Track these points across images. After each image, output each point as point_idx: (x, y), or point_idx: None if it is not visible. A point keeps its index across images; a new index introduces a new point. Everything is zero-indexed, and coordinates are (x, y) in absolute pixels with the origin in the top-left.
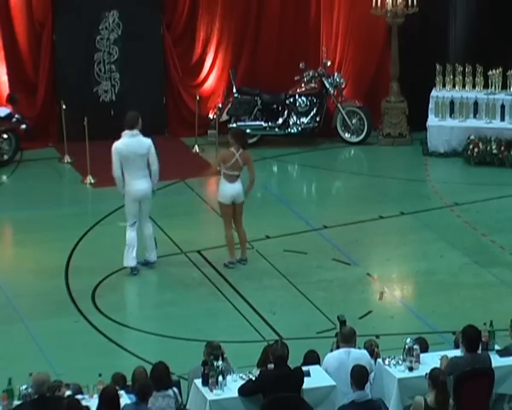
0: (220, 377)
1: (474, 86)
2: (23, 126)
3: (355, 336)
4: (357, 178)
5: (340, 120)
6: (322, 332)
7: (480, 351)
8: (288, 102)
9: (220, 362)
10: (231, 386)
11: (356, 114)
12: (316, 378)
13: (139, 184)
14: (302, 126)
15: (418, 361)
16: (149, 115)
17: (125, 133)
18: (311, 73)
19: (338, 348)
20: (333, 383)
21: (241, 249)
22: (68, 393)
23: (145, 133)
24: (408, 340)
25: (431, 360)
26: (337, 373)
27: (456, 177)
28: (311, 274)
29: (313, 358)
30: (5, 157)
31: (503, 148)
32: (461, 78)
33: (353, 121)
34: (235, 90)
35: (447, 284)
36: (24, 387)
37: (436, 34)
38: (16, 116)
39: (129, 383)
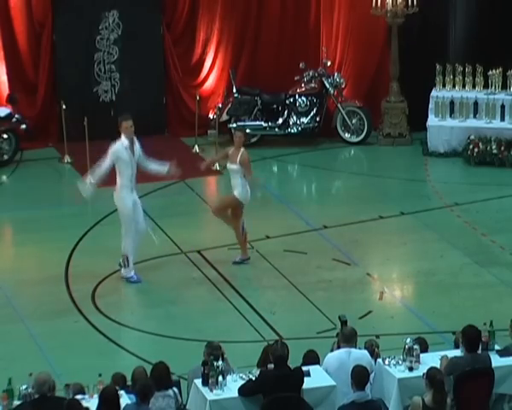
0: (220, 377)
1: (474, 86)
2: (23, 126)
3: (356, 337)
4: (357, 178)
5: (340, 120)
6: (322, 332)
7: (480, 351)
8: (287, 102)
9: (220, 362)
10: (231, 386)
11: (356, 114)
12: (316, 378)
13: None
14: (302, 126)
15: (418, 361)
16: (149, 115)
17: None
18: (311, 73)
19: (339, 348)
20: (333, 383)
21: (243, 246)
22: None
23: (145, 133)
24: (408, 340)
25: (431, 360)
26: (337, 373)
27: (456, 177)
28: (311, 274)
29: (312, 358)
30: (5, 157)
31: (503, 148)
32: (461, 78)
33: (353, 121)
34: (235, 90)
35: (447, 284)
36: (24, 387)
37: (436, 34)
38: (16, 116)
39: (129, 383)
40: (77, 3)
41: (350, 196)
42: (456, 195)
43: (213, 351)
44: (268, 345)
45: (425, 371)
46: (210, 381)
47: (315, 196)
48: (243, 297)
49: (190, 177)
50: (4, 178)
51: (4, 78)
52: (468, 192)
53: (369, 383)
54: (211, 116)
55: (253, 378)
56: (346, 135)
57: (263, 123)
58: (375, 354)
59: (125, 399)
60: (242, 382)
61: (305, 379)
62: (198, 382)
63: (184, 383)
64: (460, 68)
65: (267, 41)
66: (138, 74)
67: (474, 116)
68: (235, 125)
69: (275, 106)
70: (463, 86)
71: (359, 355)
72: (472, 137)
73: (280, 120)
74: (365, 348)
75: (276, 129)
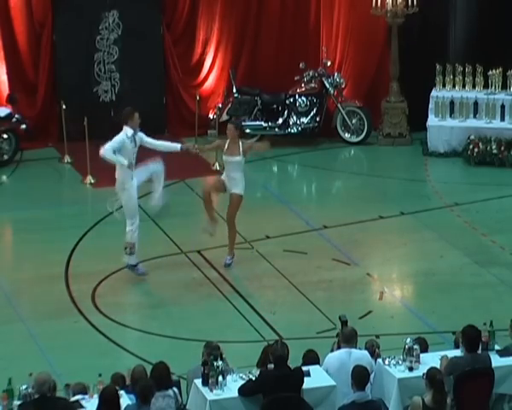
0: (220, 377)
1: (474, 86)
2: (23, 126)
3: (356, 337)
4: (357, 178)
5: (340, 120)
6: (322, 332)
7: (480, 351)
8: (288, 102)
9: (220, 362)
10: (231, 386)
11: (356, 114)
12: (316, 378)
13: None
14: (302, 126)
15: (418, 361)
16: (149, 115)
17: None
18: (311, 73)
19: (339, 348)
20: (333, 383)
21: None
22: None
23: (145, 133)
24: (408, 340)
25: (431, 360)
26: (338, 373)
27: (456, 177)
28: (311, 274)
29: (312, 358)
30: (5, 157)
31: (503, 148)
32: (461, 78)
33: (353, 121)
34: (235, 90)
35: (447, 284)
36: (24, 387)
37: (436, 34)
38: (16, 116)
39: (129, 383)
40: (77, 3)
41: (350, 196)
42: (456, 195)
43: (212, 351)
44: (268, 345)
45: (425, 371)
46: (210, 381)
47: (315, 196)
48: (243, 297)
49: (190, 177)
50: (4, 178)
51: (4, 78)
52: (468, 192)
53: (369, 383)
54: (211, 116)
55: (253, 378)
56: (346, 135)
57: (263, 123)
58: (375, 355)
59: (125, 399)
60: (242, 382)
61: (305, 379)
62: (198, 382)
63: (184, 383)
64: (460, 68)
65: (267, 41)
66: (138, 74)
67: (474, 116)
68: None
69: (275, 106)
70: (463, 86)
71: (360, 356)
72: (472, 137)
73: (280, 120)
74: (366, 348)
75: (276, 129)
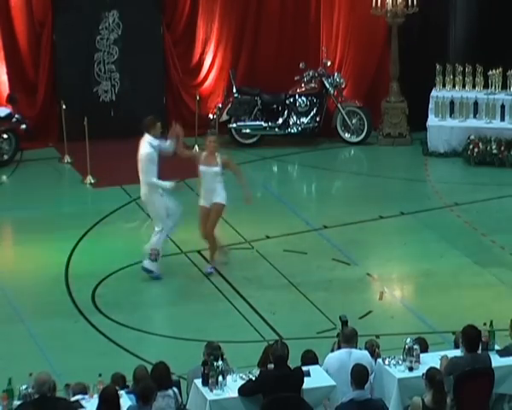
0: (220, 377)
1: (474, 86)
2: (23, 126)
3: (356, 337)
4: (357, 178)
5: (340, 120)
6: (322, 332)
7: (480, 351)
8: (288, 102)
9: (220, 362)
10: (231, 386)
11: (356, 114)
12: (316, 378)
13: (141, 190)
14: (302, 126)
15: (418, 361)
16: (149, 115)
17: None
18: (311, 73)
19: (339, 348)
20: (333, 383)
21: (215, 253)
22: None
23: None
24: (408, 340)
25: (431, 360)
26: (338, 374)
27: (456, 177)
28: (311, 274)
29: (310, 358)
30: (5, 157)
31: (503, 148)
32: (461, 78)
33: (353, 121)
34: (235, 90)
35: (447, 284)
36: (24, 387)
37: (436, 34)
38: (16, 116)
39: (129, 383)
40: (77, 3)
41: (350, 196)
42: (456, 195)
43: (213, 351)
44: (268, 345)
45: (425, 371)
46: (210, 381)
47: (315, 196)
48: (243, 297)
49: (190, 177)
50: (4, 178)
51: (4, 78)
52: (468, 192)
53: (369, 383)
54: (211, 116)
55: (253, 378)
56: (346, 135)
57: (263, 123)
58: (375, 355)
59: (124, 399)
60: (242, 382)
61: (305, 379)
62: (198, 382)
63: (184, 383)
64: (460, 68)
65: (267, 41)
66: (138, 74)
67: (474, 116)
68: (235, 125)
69: (275, 106)
70: (463, 86)
71: (360, 356)
72: (472, 137)
73: (280, 120)
74: (366, 348)
75: (276, 129)
